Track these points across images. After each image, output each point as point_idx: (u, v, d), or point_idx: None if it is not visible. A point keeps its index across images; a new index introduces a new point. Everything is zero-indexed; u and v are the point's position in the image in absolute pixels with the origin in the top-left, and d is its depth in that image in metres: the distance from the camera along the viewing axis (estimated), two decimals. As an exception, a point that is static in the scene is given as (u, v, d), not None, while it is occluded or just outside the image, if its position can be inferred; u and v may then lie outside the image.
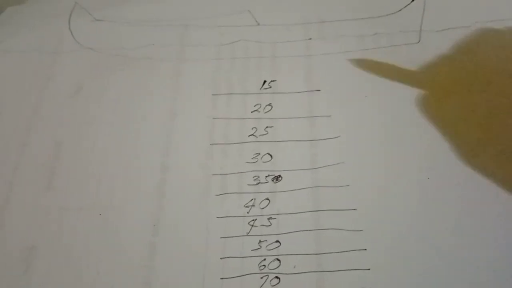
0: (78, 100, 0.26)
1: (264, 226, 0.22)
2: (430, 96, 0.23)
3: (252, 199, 0.22)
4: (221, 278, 0.20)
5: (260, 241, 0.21)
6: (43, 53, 0.28)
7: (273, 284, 0.20)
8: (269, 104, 0.25)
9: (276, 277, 0.20)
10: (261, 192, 0.23)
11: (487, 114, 0.22)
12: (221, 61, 0.27)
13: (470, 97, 0.23)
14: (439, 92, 0.24)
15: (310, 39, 0.28)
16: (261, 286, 0.20)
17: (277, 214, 0.22)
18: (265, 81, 0.26)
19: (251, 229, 0.22)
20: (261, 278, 0.20)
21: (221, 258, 0.21)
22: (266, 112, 0.25)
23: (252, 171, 0.23)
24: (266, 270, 0.20)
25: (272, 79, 0.26)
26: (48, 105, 0.26)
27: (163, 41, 0.28)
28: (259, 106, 0.25)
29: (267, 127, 0.25)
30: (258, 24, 0.28)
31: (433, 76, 0.24)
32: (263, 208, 0.22)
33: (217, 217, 0.22)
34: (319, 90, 0.26)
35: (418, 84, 0.24)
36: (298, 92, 0.26)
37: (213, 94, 0.26)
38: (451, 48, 0.24)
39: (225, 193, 0.23)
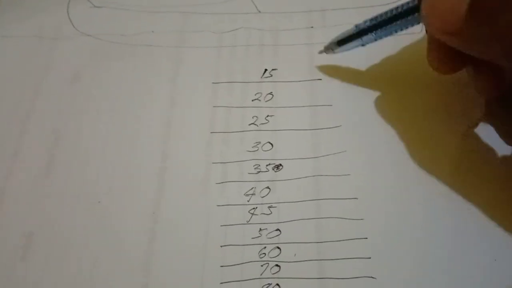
0: (77, 88, 0.26)
1: (265, 215, 0.22)
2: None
3: (252, 188, 0.22)
4: (221, 266, 0.20)
5: (260, 229, 0.21)
6: (42, 39, 0.28)
7: (273, 272, 0.20)
8: (270, 93, 0.25)
9: (277, 265, 0.20)
10: (261, 181, 0.23)
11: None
12: (221, 49, 0.27)
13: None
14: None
15: (312, 27, 0.27)
16: (261, 274, 0.20)
17: (278, 203, 0.22)
18: (266, 70, 0.26)
19: (251, 217, 0.22)
20: (261, 266, 0.20)
21: (221, 246, 0.21)
22: (267, 101, 0.25)
23: (252, 159, 0.23)
24: (266, 258, 0.21)
25: (273, 68, 0.26)
26: (47, 92, 0.26)
27: (163, 28, 0.28)
28: (259, 94, 0.25)
29: (267, 116, 0.25)
30: (259, 12, 0.28)
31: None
32: (263, 196, 0.22)
33: (217, 205, 0.22)
34: (320, 79, 0.26)
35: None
36: (299, 81, 0.26)
37: (213, 82, 0.26)
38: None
39: (225, 182, 0.23)
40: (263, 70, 0.26)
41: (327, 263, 0.20)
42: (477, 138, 0.23)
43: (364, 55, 0.25)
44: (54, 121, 0.25)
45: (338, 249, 0.20)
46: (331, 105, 0.25)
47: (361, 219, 0.21)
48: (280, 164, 0.23)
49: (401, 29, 0.22)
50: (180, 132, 0.24)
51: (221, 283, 0.20)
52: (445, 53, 0.20)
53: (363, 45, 0.23)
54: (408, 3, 0.21)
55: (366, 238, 0.21)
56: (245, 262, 0.20)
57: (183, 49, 0.27)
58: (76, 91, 0.26)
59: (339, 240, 0.21)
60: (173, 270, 0.21)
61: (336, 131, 0.24)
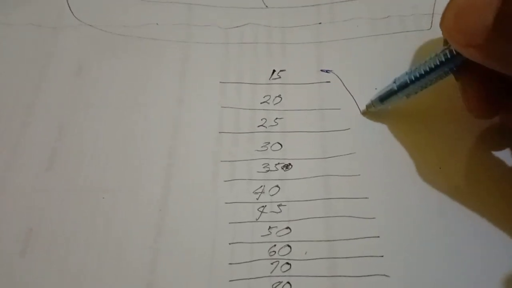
0: (81, 80, 0.27)
1: (274, 213, 0.22)
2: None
3: (261, 186, 0.23)
4: (230, 264, 0.21)
5: (270, 227, 0.22)
6: (42, 28, 0.28)
7: (284, 270, 0.21)
8: (279, 96, 0.26)
9: (287, 263, 0.21)
10: (270, 179, 0.23)
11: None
12: (229, 46, 0.28)
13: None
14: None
15: (320, 23, 0.29)
16: (271, 272, 0.21)
17: (287, 201, 0.23)
18: (274, 71, 0.27)
19: (260, 215, 0.22)
20: (271, 264, 0.21)
21: (229, 243, 0.21)
22: (275, 104, 0.26)
23: (261, 158, 0.24)
24: (276, 256, 0.21)
25: (282, 69, 0.27)
26: (49, 84, 0.26)
27: (167, 20, 0.29)
28: (268, 97, 0.26)
29: (276, 118, 0.26)
30: (266, 7, 0.29)
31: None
32: (272, 195, 0.23)
33: (226, 203, 0.23)
34: (329, 82, 0.27)
35: None
36: (308, 83, 0.27)
37: (220, 82, 0.27)
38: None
39: (233, 179, 0.23)
40: (271, 71, 0.27)
41: (339, 261, 0.21)
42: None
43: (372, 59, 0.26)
44: (58, 115, 0.25)
45: (349, 247, 0.21)
46: (339, 109, 0.26)
47: (373, 218, 0.22)
48: (290, 164, 0.24)
49: (445, 75, 0.22)
50: (187, 130, 0.25)
51: (230, 280, 0.21)
52: (482, 99, 0.22)
53: (407, 97, 0.24)
54: (446, 51, 0.22)
55: (378, 236, 0.21)
56: (255, 260, 0.21)
57: (189, 44, 0.28)
58: (80, 84, 0.26)
59: (351, 239, 0.21)
60: (180, 268, 0.21)
61: (345, 134, 0.25)
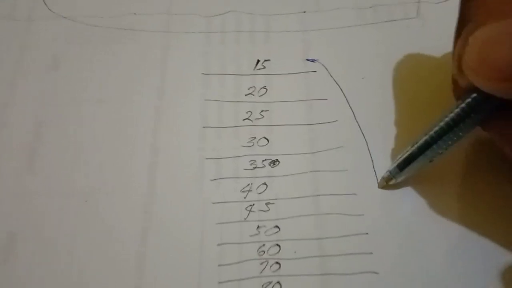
0: (58, 75, 0.26)
1: (262, 212, 0.22)
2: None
3: (248, 184, 0.23)
4: (219, 265, 0.21)
5: (258, 227, 0.22)
6: (15, 20, 0.28)
7: (273, 270, 0.21)
8: (264, 87, 0.26)
9: (277, 262, 0.21)
10: (258, 177, 0.23)
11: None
12: (210, 36, 0.27)
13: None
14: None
15: (305, 12, 0.28)
16: (261, 272, 0.21)
17: (275, 199, 0.23)
18: (258, 61, 0.27)
19: (248, 214, 0.22)
20: (261, 264, 0.21)
21: (218, 245, 0.21)
22: (261, 96, 0.26)
23: (248, 155, 0.24)
24: (266, 255, 0.21)
25: (266, 59, 0.27)
26: (25, 79, 0.26)
27: (146, 9, 0.28)
28: (253, 89, 0.26)
29: (262, 111, 0.25)
30: None
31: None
32: (260, 193, 0.23)
33: (213, 203, 0.22)
34: (315, 71, 0.26)
35: None
36: (294, 73, 0.26)
37: (203, 73, 0.26)
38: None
39: (220, 178, 0.23)
40: (256, 61, 0.27)
41: (329, 259, 0.21)
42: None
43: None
44: (36, 113, 0.25)
45: (339, 245, 0.21)
46: (326, 99, 0.26)
47: (361, 215, 0.22)
48: (277, 160, 0.24)
49: (471, 129, 0.20)
50: (170, 125, 0.25)
51: (220, 282, 0.21)
52: None
53: (431, 161, 0.21)
54: (470, 99, 0.19)
55: (367, 233, 0.22)
56: (244, 261, 0.21)
57: (170, 34, 0.27)
58: (57, 79, 0.26)
59: (340, 236, 0.21)
60: (167, 271, 0.21)
61: (332, 126, 0.25)
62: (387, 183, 0.22)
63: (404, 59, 0.26)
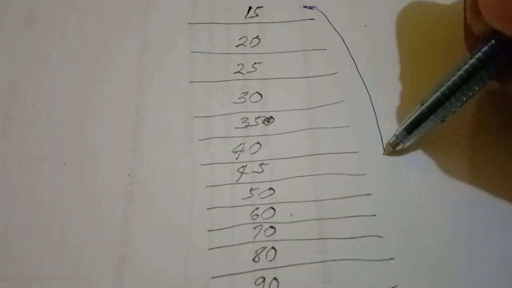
0: (33, 31, 0.24)
1: (256, 173, 0.21)
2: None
3: (241, 144, 0.21)
4: (209, 230, 0.20)
5: (251, 189, 0.20)
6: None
7: (268, 234, 0.19)
8: (257, 37, 0.24)
9: (271, 226, 0.20)
10: (250, 136, 0.22)
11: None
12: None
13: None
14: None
15: None
16: (254, 237, 0.19)
17: (270, 160, 0.21)
18: (250, 8, 0.25)
19: (240, 176, 0.21)
20: (254, 228, 0.20)
21: (208, 209, 0.20)
22: (253, 46, 0.24)
23: (239, 112, 0.22)
24: (259, 219, 0.20)
25: (259, 5, 0.25)
26: (-2, 36, 0.24)
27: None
28: (244, 39, 0.24)
29: (255, 63, 0.24)
30: None
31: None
32: (253, 153, 0.21)
33: (202, 164, 0.21)
34: (313, 19, 0.24)
35: None
36: (289, 21, 0.24)
37: (189, 23, 0.24)
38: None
39: (209, 138, 0.22)
40: (247, 8, 0.25)
41: (328, 223, 0.20)
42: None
43: None
44: (10, 72, 0.23)
45: (339, 207, 0.20)
46: (325, 50, 0.24)
47: (364, 174, 0.20)
48: (271, 117, 0.22)
49: (487, 82, 0.18)
50: (155, 82, 0.23)
51: (210, 249, 0.19)
52: None
53: (442, 121, 0.19)
54: (485, 48, 0.18)
55: (370, 194, 0.20)
56: (236, 225, 0.20)
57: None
58: (32, 35, 0.24)
59: (340, 198, 0.20)
60: (154, 238, 0.20)
61: (332, 79, 0.23)
62: (393, 149, 0.20)
63: (410, 5, 0.24)
